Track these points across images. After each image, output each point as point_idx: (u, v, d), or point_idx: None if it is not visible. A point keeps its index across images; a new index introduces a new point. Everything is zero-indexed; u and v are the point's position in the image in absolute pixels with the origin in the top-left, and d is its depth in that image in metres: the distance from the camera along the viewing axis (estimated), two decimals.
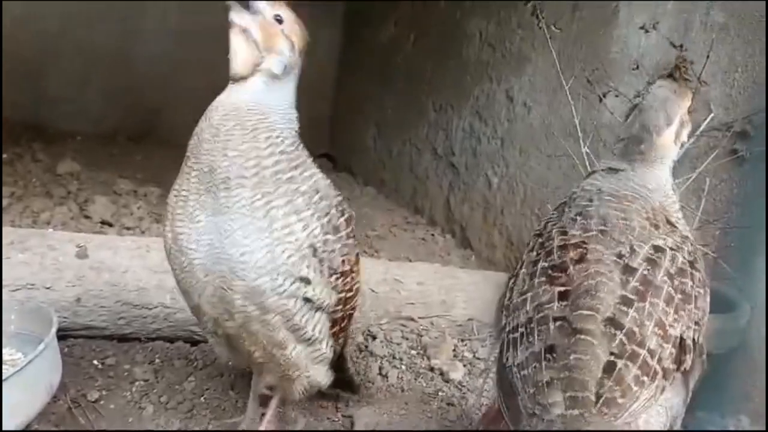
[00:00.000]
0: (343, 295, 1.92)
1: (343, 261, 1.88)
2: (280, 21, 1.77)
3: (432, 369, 2.81)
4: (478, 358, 2.92)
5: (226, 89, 1.79)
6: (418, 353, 2.93)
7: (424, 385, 2.71)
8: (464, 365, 2.85)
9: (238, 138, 1.71)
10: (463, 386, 2.71)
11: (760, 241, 2.52)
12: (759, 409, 2.57)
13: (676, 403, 1.55)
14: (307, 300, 1.80)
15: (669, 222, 1.66)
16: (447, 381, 2.74)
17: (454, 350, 2.97)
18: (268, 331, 1.81)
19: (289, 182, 1.75)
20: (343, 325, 2.02)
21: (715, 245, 2.71)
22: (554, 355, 1.45)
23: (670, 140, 1.74)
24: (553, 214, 1.78)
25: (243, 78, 1.76)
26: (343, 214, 1.90)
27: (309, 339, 1.87)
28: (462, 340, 3.05)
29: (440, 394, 2.65)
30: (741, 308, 2.55)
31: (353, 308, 2.07)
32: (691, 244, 1.66)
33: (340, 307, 1.93)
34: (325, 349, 1.94)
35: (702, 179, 2.69)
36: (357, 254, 2.00)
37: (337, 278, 1.87)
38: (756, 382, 2.59)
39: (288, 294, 1.76)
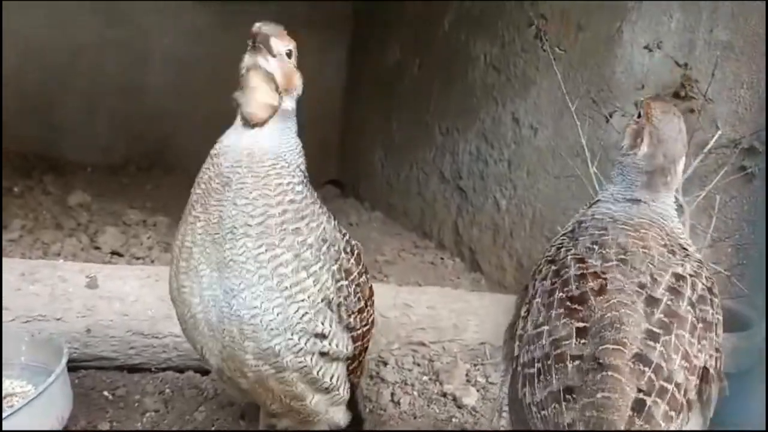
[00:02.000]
0: (360, 331, 1.89)
1: (359, 298, 1.85)
2: (290, 55, 1.71)
3: (444, 395, 2.78)
4: (492, 383, 2.89)
5: (233, 130, 1.71)
6: (430, 379, 2.90)
7: (437, 411, 2.68)
8: (477, 390, 2.82)
9: (250, 186, 1.64)
10: (477, 411, 2.68)
11: None
12: None
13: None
14: (324, 354, 1.76)
15: (682, 247, 1.65)
16: (460, 407, 2.70)
17: (466, 375, 2.93)
18: (286, 387, 1.77)
19: (296, 234, 1.67)
20: (360, 359, 2.00)
21: (727, 263, 2.69)
22: (573, 396, 1.41)
23: (682, 167, 1.73)
24: (563, 239, 1.75)
25: (259, 123, 1.68)
26: (352, 253, 1.85)
27: (327, 388, 1.84)
28: (474, 365, 3.02)
29: (453, 420, 2.62)
30: (756, 326, 2.52)
31: (368, 340, 2.04)
32: (707, 269, 1.64)
33: (358, 344, 1.90)
34: (343, 392, 1.91)
35: (712, 197, 2.68)
36: (370, 287, 1.98)
37: (355, 317, 1.84)
38: None
39: (304, 352, 1.71)
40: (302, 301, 1.67)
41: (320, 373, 1.78)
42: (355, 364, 1.95)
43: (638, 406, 1.38)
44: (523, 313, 1.67)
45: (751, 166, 2.67)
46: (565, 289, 1.57)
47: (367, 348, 2.04)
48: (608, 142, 3.26)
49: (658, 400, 1.39)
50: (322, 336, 1.73)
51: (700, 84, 2.78)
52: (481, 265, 4.41)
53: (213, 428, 2.38)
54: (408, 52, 5.60)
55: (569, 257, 1.64)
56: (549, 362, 1.49)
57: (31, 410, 1.94)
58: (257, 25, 1.66)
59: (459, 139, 4.77)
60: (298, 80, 1.74)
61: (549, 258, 1.71)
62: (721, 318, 1.58)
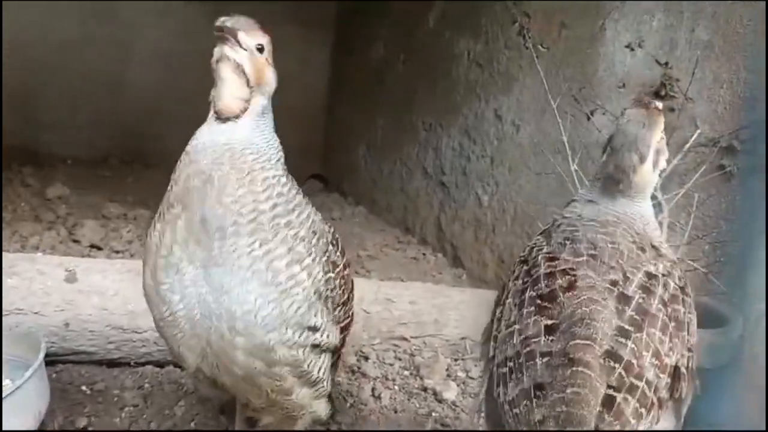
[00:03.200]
0: (344, 323, 1.90)
1: (343, 291, 1.86)
2: (261, 50, 1.67)
3: (425, 389, 2.79)
4: (472, 378, 2.91)
5: (207, 126, 1.67)
6: (411, 373, 2.91)
7: (418, 405, 2.69)
8: (457, 385, 2.83)
9: (234, 183, 1.60)
10: (457, 406, 2.69)
11: (751, 255, 2.53)
12: (755, 422, 2.56)
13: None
14: (315, 346, 1.77)
15: (653, 246, 1.67)
16: (440, 401, 2.72)
17: (447, 370, 2.95)
18: (275, 382, 1.76)
19: (288, 227, 1.66)
20: (341, 352, 2.01)
21: (705, 260, 2.72)
22: (543, 392, 1.43)
23: (648, 173, 1.72)
24: (538, 239, 1.77)
25: (232, 116, 1.66)
26: (337, 246, 1.85)
27: (314, 381, 1.84)
28: (455, 360, 3.03)
29: (434, 414, 2.63)
30: (733, 323, 2.56)
31: (348, 333, 2.04)
32: (680, 269, 1.66)
33: (341, 336, 1.91)
34: (327, 385, 1.91)
35: (691, 195, 2.71)
36: (351, 280, 1.98)
37: (340, 309, 1.85)
38: (750, 397, 2.58)
39: (297, 345, 1.71)
40: (296, 295, 1.67)
41: (310, 366, 1.79)
42: (336, 356, 1.96)
43: (608, 402, 1.39)
44: (497, 315, 1.68)
45: (729, 165, 2.70)
46: (536, 287, 1.59)
47: (344, 341, 2.05)
48: (589, 140, 3.28)
49: (628, 397, 1.40)
50: (315, 329, 1.74)
51: (680, 83, 2.81)
52: (463, 260, 4.43)
53: (193, 423, 2.37)
54: (392, 48, 5.59)
55: (540, 256, 1.66)
56: (520, 360, 1.50)
57: (7, 405, 1.91)
58: (222, 18, 1.63)
59: (442, 135, 4.78)
60: (270, 75, 1.70)
61: (522, 258, 1.74)
62: (693, 318, 1.60)
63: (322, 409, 1.96)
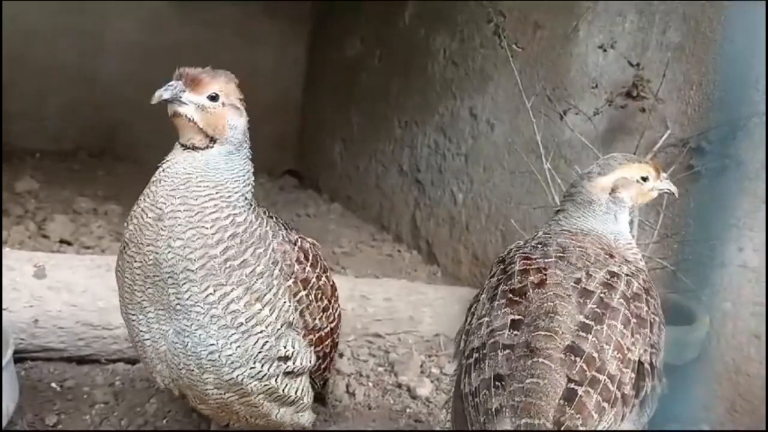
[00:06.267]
0: (328, 328, 1.89)
1: (321, 299, 1.83)
2: (215, 98, 1.61)
3: (399, 386, 2.80)
4: (445, 374, 2.93)
5: (174, 153, 1.63)
6: (385, 370, 2.92)
7: (392, 402, 2.70)
8: (431, 381, 2.85)
9: (183, 222, 1.55)
10: (431, 402, 2.71)
11: (718, 253, 2.58)
12: (721, 418, 2.62)
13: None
14: (288, 373, 1.75)
15: (621, 255, 1.73)
16: (414, 397, 2.73)
17: (421, 366, 2.96)
18: (252, 408, 1.76)
19: (243, 267, 1.60)
20: (332, 356, 1.99)
21: (674, 258, 2.77)
22: (503, 383, 1.44)
23: (600, 188, 1.81)
24: (518, 243, 1.82)
25: (197, 148, 1.62)
26: (307, 260, 1.79)
27: (293, 401, 1.83)
28: (429, 356, 3.05)
29: (408, 410, 2.64)
30: (700, 320, 2.61)
31: (338, 335, 2.03)
32: (647, 276, 1.70)
33: (328, 341, 1.90)
34: (307, 400, 1.89)
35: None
36: (332, 284, 1.95)
37: (320, 318, 1.83)
38: (717, 392, 2.64)
39: (268, 376, 1.70)
40: (261, 332, 1.64)
41: (286, 390, 1.78)
42: (326, 361, 1.94)
43: (570, 396, 1.40)
44: (471, 310, 1.71)
45: (698, 165, 2.75)
46: (509, 282, 1.62)
47: (337, 343, 2.04)
48: (562, 139, 3.32)
49: (590, 390, 1.41)
50: (286, 358, 1.72)
51: (651, 84, 2.85)
52: (438, 257, 4.45)
53: (165, 420, 2.35)
54: (368, 45, 5.59)
55: (517, 255, 1.71)
56: (484, 351, 1.53)
57: None
58: (177, 72, 1.60)
59: (418, 132, 4.79)
60: (233, 119, 1.64)
61: (500, 258, 1.78)
62: (658, 319, 1.62)
63: (305, 419, 1.96)
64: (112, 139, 6.32)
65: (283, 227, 1.80)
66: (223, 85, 1.63)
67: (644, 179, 1.85)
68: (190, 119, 1.59)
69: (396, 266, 4.42)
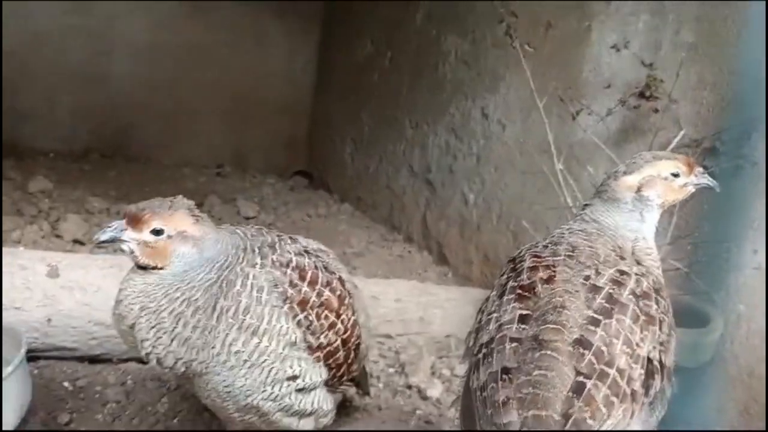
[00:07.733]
0: (337, 343, 1.91)
1: (326, 316, 1.87)
2: (159, 232, 1.66)
3: (410, 387, 2.80)
4: (456, 376, 2.92)
5: (131, 272, 1.72)
6: (395, 371, 2.92)
7: (402, 403, 2.69)
8: (442, 383, 2.84)
9: (145, 327, 1.67)
10: (441, 404, 2.70)
11: (732, 255, 2.56)
12: (734, 422, 2.60)
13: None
14: (300, 390, 1.84)
15: (634, 258, 1.72)
16: (425, 399, 2.73)
17: (431, 367, 2.95)
18: (273, 423, 1.87)
19: (223, 315, 1.69)
20: (349, 363, 2.02)
21: (687, 260, 2.75)
22: (510, 375, 1.44)
23: (625, 186, 1.80)
24: (530, 243, 1.82)
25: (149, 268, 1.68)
26: (303, 279, 1.83)
27: (311, 412, 1.91)
28: (440, 357, 3.04)
29: (418, 412, 2.64)
30: (714, 322, 2.59)
31: (356, 340, 2.04)
32: (657, 279, 1.69)
33: (340, 353, 1.93)
34: (327, 406, 1.97)
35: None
36: (339, 294, 1.94)
37: (326, 335, 1.86)
38: (731, 396, 2.62)
39: (282, 396, 1.79)
40: (264, 361, 1.74)
41: (301, 405, 1.86)
42: (342, 370, 1.98)
43: (578, 388, 1.39)
44: (481, 308, 1.71)
45: (711, 166, 2.73)
46: (518, 279, 1.63)
47: (359, 345, 2.05)
48: (574, 140, 3.31)
49: (599, 383, 1.40)
50: (294, 377, 1.80)
51: (665, 84, 2.83)
52: (449, 258, 4.44)
53: (176, 420, 2.36)
54: (379, 45, 5.58)
55: (527, 254, 1.71)
56: (492, 345, 1.53)
57: None
58: (123, 211, 1.69)
59: (428, 133, 4.78)
60: (180, 248, 1.67)
61: (510, 258, 1.78)
62: (668, 319, 1.61)
63: (326, 420, 2.03)
64: (124, 140, 6.34)
65: (272, 250, 1.83)
66: (168, 218, 1.66)
67: (675, 175, 1.83)
68: (131, 252, 1.67)
69: (406, 267, 4.41)
